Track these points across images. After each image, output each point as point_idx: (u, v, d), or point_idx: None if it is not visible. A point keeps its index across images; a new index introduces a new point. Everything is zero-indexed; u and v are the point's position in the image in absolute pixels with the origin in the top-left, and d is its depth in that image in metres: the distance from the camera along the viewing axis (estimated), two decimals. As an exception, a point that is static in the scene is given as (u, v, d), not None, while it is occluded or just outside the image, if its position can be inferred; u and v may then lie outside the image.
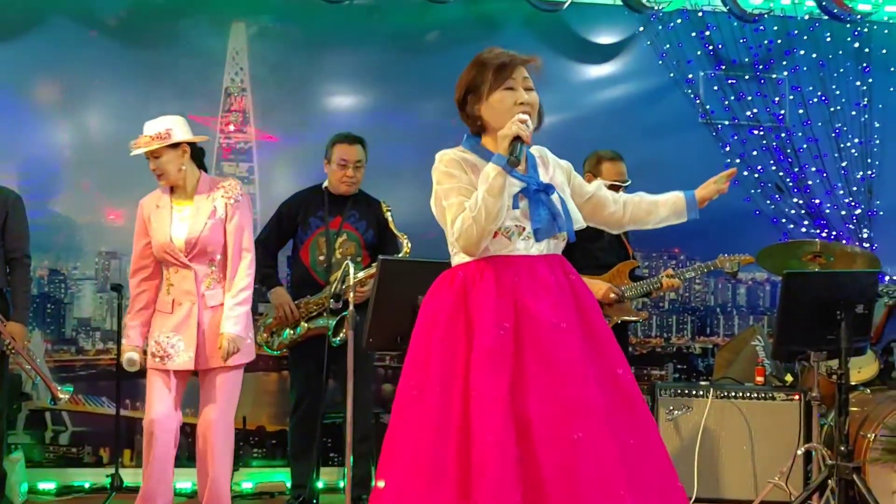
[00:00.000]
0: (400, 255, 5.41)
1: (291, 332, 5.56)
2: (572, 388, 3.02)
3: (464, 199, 3.14)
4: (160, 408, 4.66)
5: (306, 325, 5.53)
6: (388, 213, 5.47)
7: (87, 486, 6.18)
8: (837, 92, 7.14)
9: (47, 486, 6.13)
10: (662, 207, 3.58)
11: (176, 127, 4.71)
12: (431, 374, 3.10)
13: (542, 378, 3.03)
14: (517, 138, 3.09)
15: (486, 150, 3.25)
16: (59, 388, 5.00)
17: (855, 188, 7.09)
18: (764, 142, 7.04)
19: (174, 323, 4.68)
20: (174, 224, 4.72)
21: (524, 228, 3.19)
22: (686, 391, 5.69)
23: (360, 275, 5.28)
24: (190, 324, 4.67)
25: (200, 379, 4.79)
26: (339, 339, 5.35)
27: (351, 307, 4.76)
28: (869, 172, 7.11)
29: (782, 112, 7.08)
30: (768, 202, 7.05)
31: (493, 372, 3.02)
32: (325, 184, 5.67)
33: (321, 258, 5.54)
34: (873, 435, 5.29)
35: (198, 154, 4.84)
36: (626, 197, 3.53)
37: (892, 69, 7.26)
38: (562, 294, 3.17)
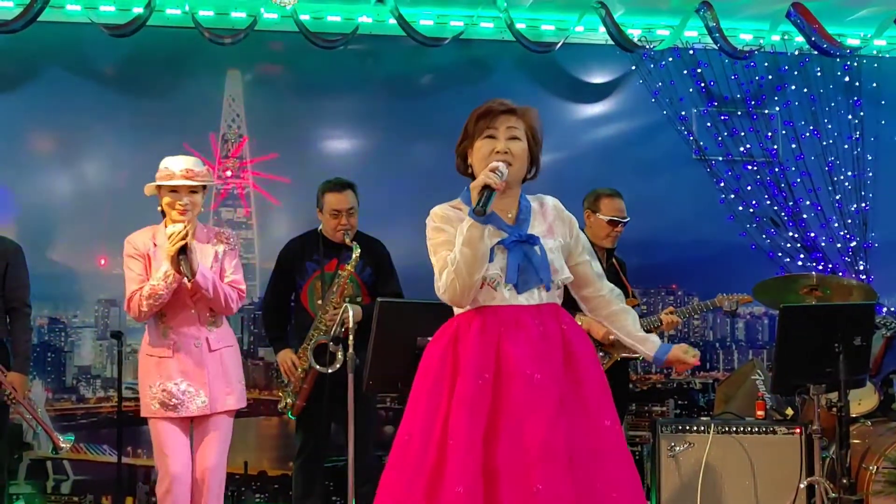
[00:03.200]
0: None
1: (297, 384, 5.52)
2: (539, 439, 3.05)
3: (449, 254, 3.20)
4: (179, 462, 4.57)
5: (300, 371, 5.50)
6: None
7: (89, 535, 6.17)
8: (829, 126, 7.20)
9: (49, 535, 6.13)
10: (629, 338, 3.53)
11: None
12: (417, 421, 3.18)
13: (512, 429, 3.08)
14: (485, 187, 3.11)
15: None
16: (60, 437, 4.99)
17: (850, 221, 7.12)
18: (758, 177, 7.09)
19: (177, 368, 4.58)
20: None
21: (505, 280, 3.23)
22: (687, 427, 5.68)
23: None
24: (197, 367, 4.58)
25: (196, 424, 4.69)
26: (331, 368, 5.25)
27: (350, 350, 4.76)
28: (863, 205, 7.15)
29: (775, 147, 7.13)
30: (764, 237, 7.08)
31: (469, 422, 3.08)
32: (320, 227, 5.68)
33: (320, 301, 5.54)
34: (875, 467, 5.29)
35: None
36: (617, 304, 3.51)
37: (883, 102, 7.32)
38: (547, 344, 3.20)
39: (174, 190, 4.58)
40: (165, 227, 4.63)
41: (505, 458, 3.05)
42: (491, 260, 3.20)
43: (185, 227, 4.44)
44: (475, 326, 3.20)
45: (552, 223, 3.38)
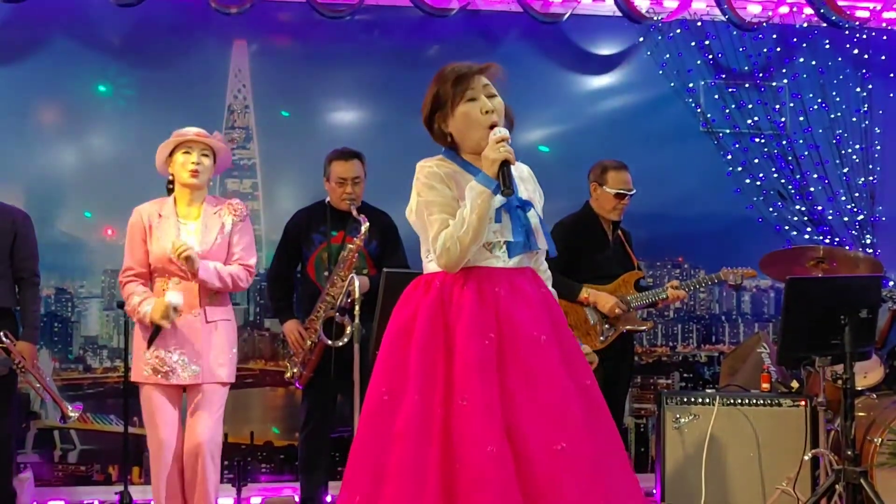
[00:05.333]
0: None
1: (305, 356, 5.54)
2: (554, 399, 3.04)
3: (447, 217, 3.15)
4: (167, 430, 4.64)
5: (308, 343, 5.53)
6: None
7: (95, 503, 6.20)
8: (837, 98, 7.15)
9: (57, 504, 6.17)
10: None
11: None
12: (409, 381, 3.09)
13: (525, 390, 3.05)
14: (505, 163, 3.09)
15: (465, 161, 3.27)
16: (68, 406, 5.01)
17: (857, 194, 7.10)
18: (765, 149, 7.06)
19: (173, 336, 4.63)
20: (181, 236, 4.69)
21: (504, 242, 3.21)
22: (692, 399, 5.69)
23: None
24: (192, 337, 4.63)
25: (190, 396, 4.73)
26: (341, 341, 5.27)
27: (356, 321, 4.77)
28: (870, 178, 7.12)
29: (783, 119, 7.10)
30: (771, 210, 7.06)
31: (482, 383, 3.03)
32: (328, 199, 5.69)
33: (326, 273, 5.55)
34: (880, 439, 5.30)
35: None
36: (549, 285, 3.44)
37: (892, 75, 7.26)
38: (540, 307, 3.20)
39: (187, 151, 4.65)
40: (175, 201, 4.69)
41: (525, 418, 3.01)
42: (499, 220, 3.18)
43: (187, 248, 4.57)
44: (470, 287, 3.16)
45: (532, 191, 3.39)
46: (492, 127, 3.19)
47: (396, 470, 3.02)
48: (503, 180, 3.09)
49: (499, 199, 3.16)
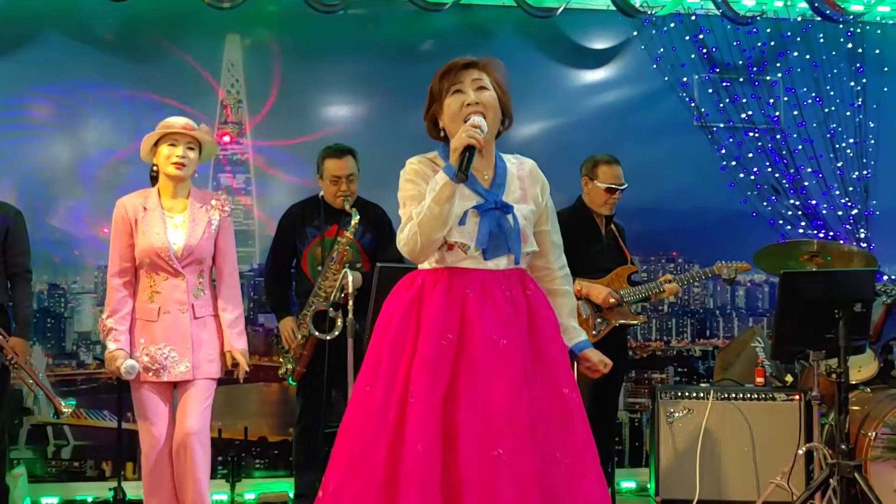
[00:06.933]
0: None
1: (297, 351, 5.55)
2: (502, 405, 3.03)
3: (415, 208, 3.17)
4: (160, 428, 4.62)
5: (300, 338, 5.53)
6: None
7: (89, 499, 6.20)
8: (832, 93, 7.15)
9: (50, 500, 6.14)
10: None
11: None
12: (379, 374, 3.15)
13: (474, 392, 3.06)
14: (467, 148, 3.07)
15: None
16: (62, 402, 4.99)
17: (851, 188, 7.10)
18: (759, 144, 7.06)
19: (162, 332, 4.58)
20: (168, 229, 4.65)
21: (470, 244, 3.20)
22: (686, 393, 5.70)
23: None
24: (182, 333, 4.58)
25: (179, 390, 4.68)
26: (330, 335, 5.25)
27: (350, 315, 4.76)
28: (864, 172, 7.13)
29: (777, 114, 7.09)
30: (765, 204, 7.06)
31: (430, 382, 3.05)
32: (322, 193, 5.67)
33: (320, 268, 5.54)
34: (874, 433, 5.31)
35: None
36: (561, 285, 3.44)
37: (886, 69, 7.27)
38: (513, 311, 3.18)
39: (173, 143, 4.60)
40: (159, 193, 4.66)
41: (465, 420, 3.03)
42: (463, 223, 3.17)
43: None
44: (441, 286, 3.17)
45: (528, 188, 3.34)
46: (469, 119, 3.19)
47: (355, 460, 3.10)
48: (459, 165, 3.07)
49: (473, 200, 3.16)
